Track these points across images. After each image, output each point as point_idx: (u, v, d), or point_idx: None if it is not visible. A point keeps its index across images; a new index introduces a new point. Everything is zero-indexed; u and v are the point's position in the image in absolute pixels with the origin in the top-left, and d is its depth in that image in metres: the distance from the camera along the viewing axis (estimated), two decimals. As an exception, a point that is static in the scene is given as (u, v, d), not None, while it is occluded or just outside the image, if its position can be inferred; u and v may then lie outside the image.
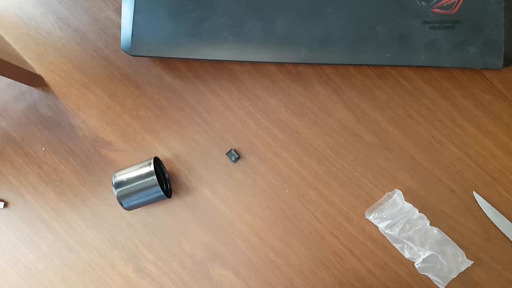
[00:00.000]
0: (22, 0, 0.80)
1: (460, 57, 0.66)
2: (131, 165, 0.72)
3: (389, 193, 0.72)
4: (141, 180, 0.69)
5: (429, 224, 0.70)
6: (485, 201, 0.71)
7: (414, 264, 0.70)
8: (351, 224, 0.73)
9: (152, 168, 0.70)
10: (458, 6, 0.66)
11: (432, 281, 0.70)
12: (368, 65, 0.74)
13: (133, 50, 0.72)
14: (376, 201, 0.72)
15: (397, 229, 0.69)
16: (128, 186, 0.69)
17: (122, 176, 0.70)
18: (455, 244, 0.69)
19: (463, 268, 0.69)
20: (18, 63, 0.74)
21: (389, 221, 0.70)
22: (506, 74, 0.72)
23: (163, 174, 0.75)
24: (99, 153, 0.78)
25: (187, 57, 0.71)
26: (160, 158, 0.76)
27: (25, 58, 0.80)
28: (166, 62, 0.78)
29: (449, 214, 0.71)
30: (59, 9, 0.80)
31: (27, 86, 0.79)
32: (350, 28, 0.68)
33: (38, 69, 0.79)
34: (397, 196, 0.70)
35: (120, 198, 0.69)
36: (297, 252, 0.73)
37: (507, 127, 0.72)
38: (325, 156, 0.74)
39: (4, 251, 0.77)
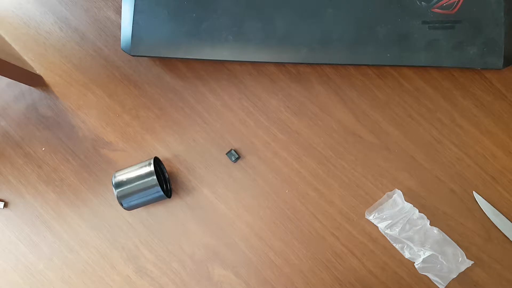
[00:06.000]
0: (22, 0, 0.80)
1: (460, 57, 0.66)
2: (131, 165, 0.72)
3: (389, 193, 0.72)
4: (141, 180, 0.69)
5: (429, 224, 0.70)
6: (485, 201, 0.71)
7: (414, 264, 0.70)
8: (351, 224, 0.73)
9: (152, 168, 0.70)
10: (458, 6, 0.66)
11: (432, 281, 0.70)
12: (368, 65, 0.74)
13: (133, 50, 0.72)
14: (376, 201, 0.72)
15: (397, 229, 0.69)
16: (128, 186, 0.69)
17: (122, 176, 0.70)
18: (455, 244, 0.69)
19: (463, 268, 0.69)
20: (18, 63, 0.74)
21: (389, 221, 0.70)
22: (506, 74, 0.72)
23: (163, 174, 0.75)
24: (99, 153, 0.78)
25: (187, 57, 0.71)
26: (160, 158, 0.76)
27: (25, 58, 0.80)
28: (166, 62, 0.78)
29: (449, 214, 0.71)
30: (59, 9, 0.80)
31: (27, 86, 0.79)
32: (350, 28, 0.68)
33: (38, 69, 0.79)
34: (397, 196, 0.70)
35: (120, 198, 0.69)
36: (297, 252, 0.73)
37: (507, 127, 0.72)
38: (325, 156, 0.74)
39: (4, 251, 0.77)
